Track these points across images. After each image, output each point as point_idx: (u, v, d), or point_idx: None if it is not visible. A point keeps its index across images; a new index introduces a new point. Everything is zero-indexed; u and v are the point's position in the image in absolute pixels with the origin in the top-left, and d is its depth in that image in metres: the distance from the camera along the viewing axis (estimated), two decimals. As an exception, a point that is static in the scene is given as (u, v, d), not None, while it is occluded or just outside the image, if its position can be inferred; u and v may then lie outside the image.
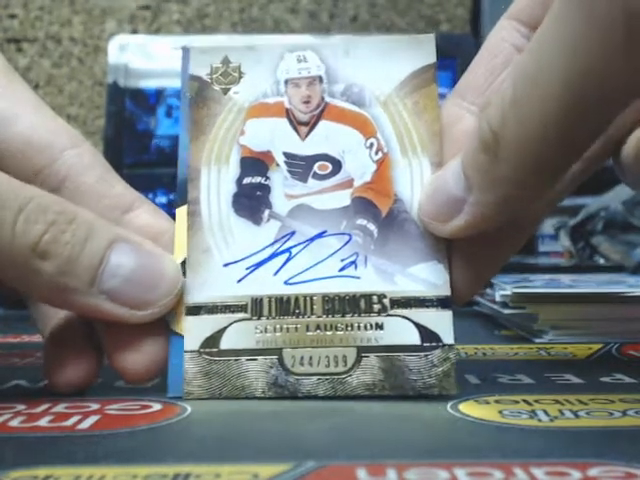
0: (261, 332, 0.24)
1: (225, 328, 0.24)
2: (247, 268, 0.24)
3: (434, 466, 0.17)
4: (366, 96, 0.26)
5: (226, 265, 0.25)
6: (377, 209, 0.25)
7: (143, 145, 0.66)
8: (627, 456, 0.18)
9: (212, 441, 0.20)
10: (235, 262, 0.25)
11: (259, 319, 0.24)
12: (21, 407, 0.23)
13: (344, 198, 0.25)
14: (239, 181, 0.25)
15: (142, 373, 0.24)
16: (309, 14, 0.93)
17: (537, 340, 0.35)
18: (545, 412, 0.22)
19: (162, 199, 0.64)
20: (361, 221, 0.25)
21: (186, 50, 0.27)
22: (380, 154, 0.25)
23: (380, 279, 0.24)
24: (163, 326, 0.24)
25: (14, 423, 0.21)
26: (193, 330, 0.24)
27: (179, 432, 0.21)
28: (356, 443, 0.19)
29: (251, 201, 0.25)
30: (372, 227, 0.25)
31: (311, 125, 0.26)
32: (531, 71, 0.20)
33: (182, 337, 0.24)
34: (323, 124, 0.26)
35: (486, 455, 0.18)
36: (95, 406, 0.23)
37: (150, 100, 0.67)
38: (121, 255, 0.23)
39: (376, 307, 0.24)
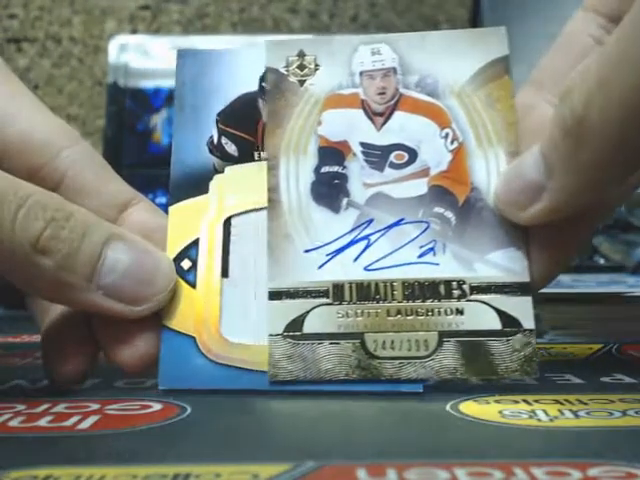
0: (343, 317, 0.25)
1: (307, 312, 0.25)
2: (327, 254, 0.25)
3: (434, 466, 0.17)
4: (440, 87, 0.26)
5: (307, 251, 0.25)
6: (454, 197, 0.25)
7: (143, 145, 0.66)
8: (627, 456, 0.18)
9: (212, 441, 0.20)
10: (315, 249, 0.25)
11: (340, 304, 0.25)
12: (21, 407, 0.23)
13: (421, 186, 0.26)
14: (317, 170, 0.26)
15: (138, 365, 0.25)
16: (309, 14, 0.93)
17: (537, 340, 0.35)
18: (545, 412, 0.22)
19: (162, 199, 0.64)
20: (438, 209, 0.25)
21: (180, 53, 0.28)
22: (455, 144, 0.26)
23: (459, 265, 0.25)
24: (157, 321, 0.25)
25: (14, 423, 0.21)
26: (276, 314, 0.25)
27: (179, 432, 0.21)
28: (356, 443, 0.19)
29: (329, 189, 0.26)
30: (449, 215, 0.25)
31: (386, 116, 0.26)
32: (619, 56, 0.20)
33: (173, 332, 0.25)
34: (398, 115, 0.26)
35: (486, 455, 0.18)
36: (95, 406, 0.23)
37: (150, 100, 0.67)
38: (117, 252, 0.24)
39: (456, 293, 0.25)
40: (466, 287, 0.25)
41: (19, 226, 0.22)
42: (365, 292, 0.25)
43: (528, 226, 0.25)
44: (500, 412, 0.22)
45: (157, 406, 0.23)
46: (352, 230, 0.25)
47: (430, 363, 0.24)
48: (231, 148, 0.27)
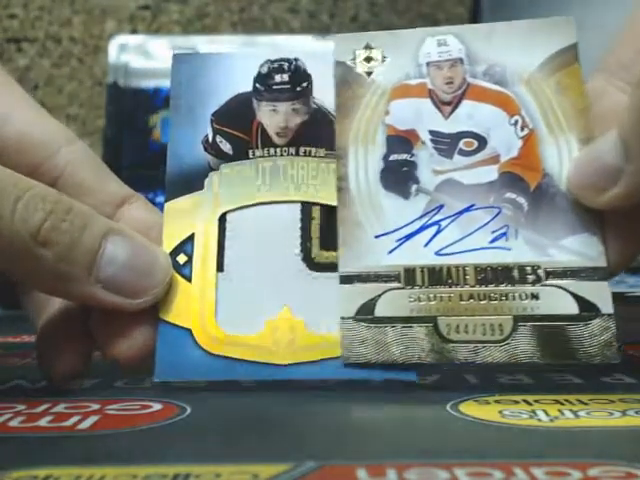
0: (415, 301, 0.25)
1: (379, 296, 0.25)
2: (397, 240, 0.25)
3: (434, 466, 0.17)
4: (508, 75, 0.26)
5: (377, 237, 0.25)
6: (525, 183, 0.25)
7: (143, 145, 0.66)
8: (627, 456, 0.18)
9: (212, 441, 0.20)
10: (385, 234, 0.25)
11: (412, 288, 0.25)
12: (21, 407, 0.23)
13: (491, 173, 0.26)
14: (386, 158, 0.26)
15: (136, 357, 0.25)
16: (309, 14, 0.93)
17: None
18: (545, 412, 0.22)
19: (161, 199, 0.64)
20: (510, 194, 0.25)
21: (175, 56, 0.28)
22: (526, 130, 0.26)
23: (532, 251, 0.25)
24: (153, 314, 0.25)
25: (14, 423, 0.21)
26: (348, 298, 0.25)
27: (179, 432, 0.21)
28: (356, 443, 0.19)
29: (399, 176, 0.26)
30: (521, 200, 0.25)
31: (454, 105, 0.26)
32: None
33: (170, 325, 0.25)
34: (466, 103, 0.26)
35: (486, 455, 0.18)
36: (95, 406, 0.23)
37: (150, 100, 0.67)
38: (116, 245, 0.24)
39: (530, 277, 0.24)
40: (541, 272, 0.24)
41: (18, 217, 0.22)
42: (437, 276, 0.25)
43: (603, 212, 0.24)
44: (500, 412, 0.22)
45: (157, 406, 0.23)
46: (422, 216, 0.25)
47: (506, 347, 0.24)
48: (226, 146, 0.28)
